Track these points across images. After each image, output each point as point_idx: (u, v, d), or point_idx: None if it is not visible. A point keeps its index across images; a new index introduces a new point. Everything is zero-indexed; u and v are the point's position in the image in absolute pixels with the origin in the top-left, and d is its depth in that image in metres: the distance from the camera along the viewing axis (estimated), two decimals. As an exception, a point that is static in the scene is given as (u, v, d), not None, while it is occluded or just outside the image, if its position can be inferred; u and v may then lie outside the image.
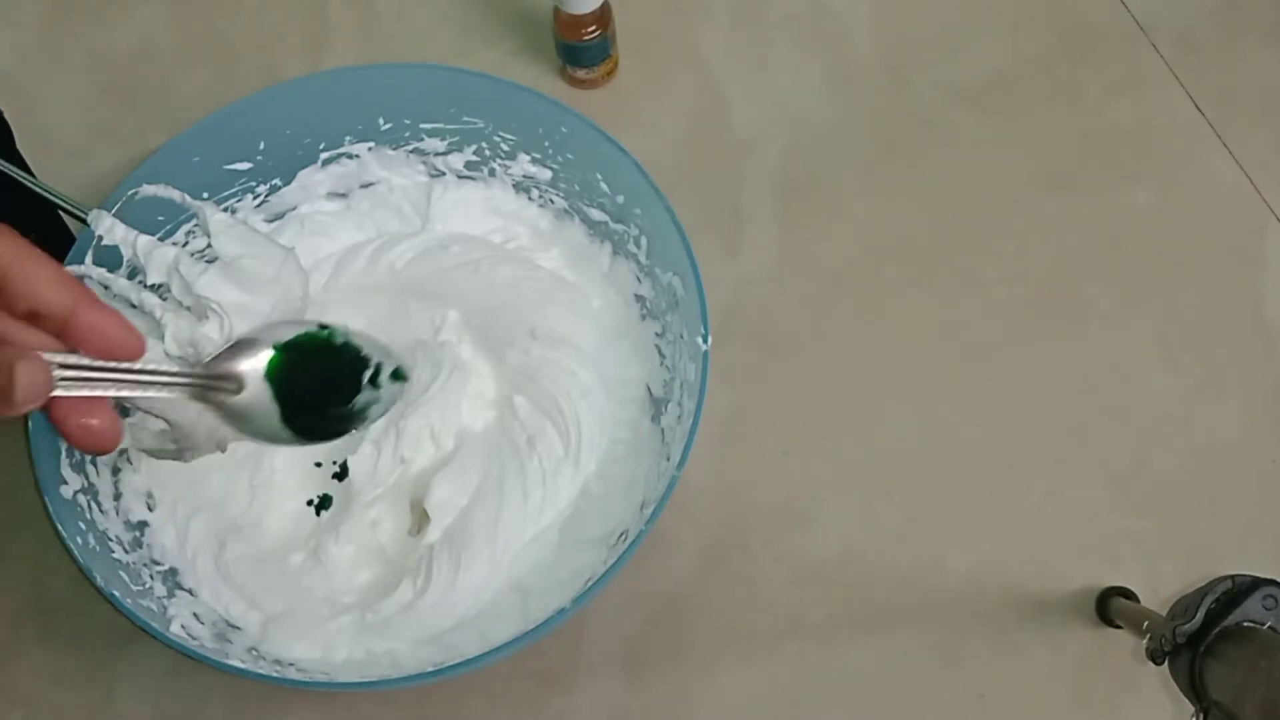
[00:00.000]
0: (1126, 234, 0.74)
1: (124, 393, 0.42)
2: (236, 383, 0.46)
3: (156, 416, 0.53)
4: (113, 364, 0.41)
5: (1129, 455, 0.68)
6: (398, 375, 0.50)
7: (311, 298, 0.60)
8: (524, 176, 0.68)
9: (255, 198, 0.68)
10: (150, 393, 0.43)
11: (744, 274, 0.72)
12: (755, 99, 0.78)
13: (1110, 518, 0.67)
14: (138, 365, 0.42)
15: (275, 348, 0.47)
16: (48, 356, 0.39)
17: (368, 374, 0.49)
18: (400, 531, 0.64)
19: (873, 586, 0.65)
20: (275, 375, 0.46)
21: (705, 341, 0.59)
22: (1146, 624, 0.56)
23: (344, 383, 0.49)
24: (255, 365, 0.46)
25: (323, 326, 0.48)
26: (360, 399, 0.49)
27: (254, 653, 0.59)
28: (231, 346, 0.46)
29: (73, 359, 0.40)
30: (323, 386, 0.48)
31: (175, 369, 0.44)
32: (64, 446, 0.59)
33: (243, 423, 0.46)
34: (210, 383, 0.45)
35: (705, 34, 0.80)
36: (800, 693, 0.63)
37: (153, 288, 0.54)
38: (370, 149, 0.68)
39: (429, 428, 0.65)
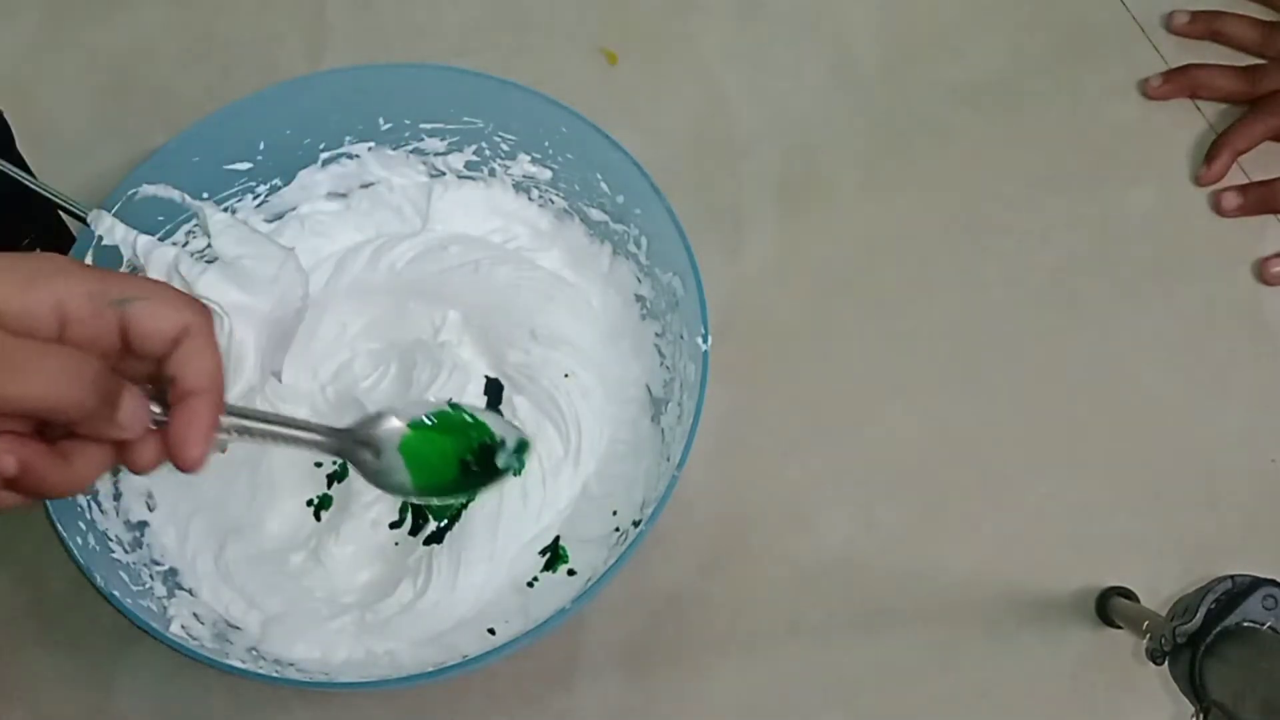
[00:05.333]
0: (1126, 234, 0.74)
1: (279, 445, 0.47)
2: (374, 449, 0.50)
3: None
4: (270, 414, 0.46)
5: (1129, 455, 0.68)
6: (521, 446, 0.55)
7: (312, 297, 0.60)
8: (524, 176, 0.68)
9: (255, 198, 0.68)
10: (298, 446, 0.48)
11: (744, 274, 0.72)
12: (755, 99, 0.78)
13: (1110, 518, 0.67)
14: (294, 419, 0.48)
15: (410, 425, 0.52)
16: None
17: (497, 448, 0.54)
18: (400, 532, 0.64)
19: (873, 586, 0.65)
20: (408, 449, 0.51)
21: (705, 341, 0.59)
22: (1146, 624, 0.56)
23: (474, 454, 0.54)
24: (390, 435, 0.51)
25: (453, 406, 0.53)
26: (491, 466, 0.54)
27: (254, 653, 0.59)
28: (373, 415, 0.51)
29: (241, 408, 0.45)
30: (455, 459, 0.53)
31: (323, 428, 0.49)
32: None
33: (376, 479, 0.51)
34: (351, 445, 0.49)
35: (705, 34, 0.80)
36: (800, 693, 0.63)
37: (153, 288, 0.54)
38: (370, 149, 0.68)
39: (429, 428, 0.65)
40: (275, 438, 0.47)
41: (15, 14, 0.81)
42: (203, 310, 0.42)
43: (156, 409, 0.41)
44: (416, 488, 0.52)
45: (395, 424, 0.51)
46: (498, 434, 0.54)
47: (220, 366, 0.42)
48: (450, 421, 0.53)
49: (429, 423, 0.52)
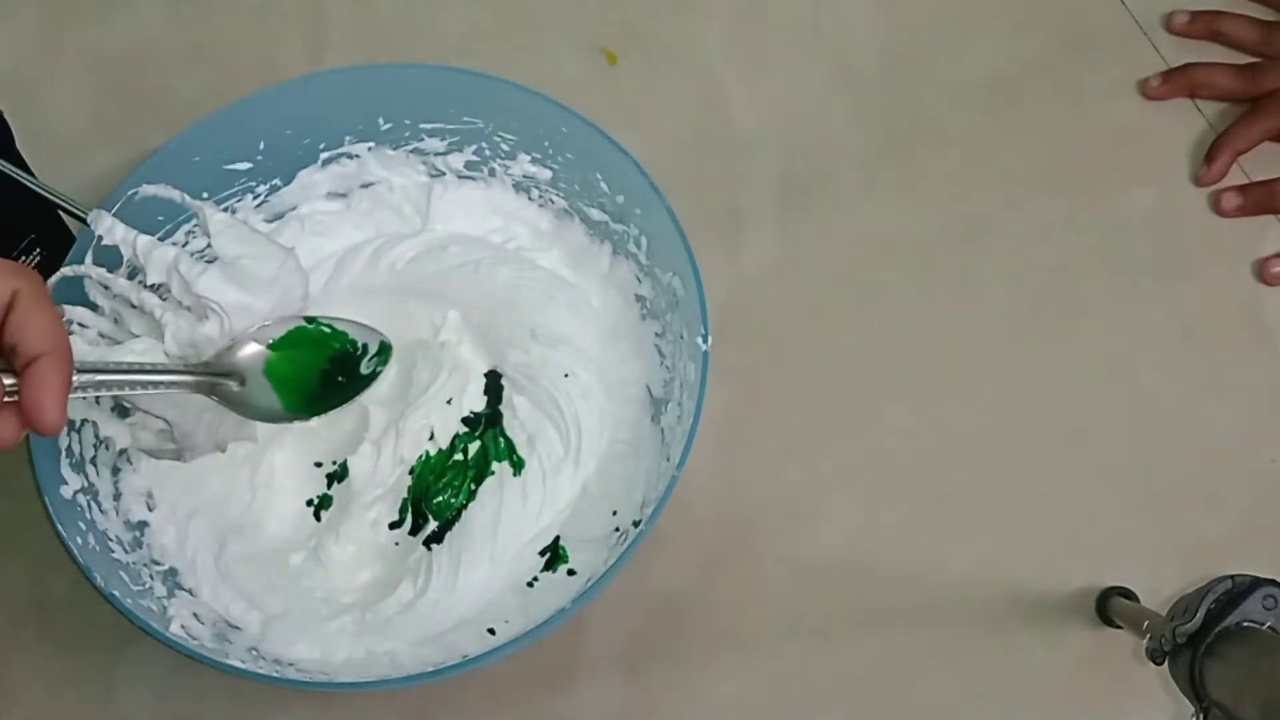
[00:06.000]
0: (1126, 234, 0.74)
1: (134, 391, 0.46)
2: (238, 377, 0.49)
3: (156, 416, 0.53)
4: (125, 363, 0.44)
5: (1129, 455, 0.68)
6: (383, 349, 0.55)
7: (312, 297, 0.60)
8: (524, 176, 0.68)
9: (255, 198, 0.68)
10: (156, 390, 0.47)
11: (744, 274, 0.72)
12: (755, 99, 0.78)
13: (1110, 518, 0.67)
14: (147, 364, 0.45)
15: (270, 346, 0.51)
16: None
17: (360, 356, 0.54)
18: (400, 532, 0.64)
19: (873, 586, 0.65)
20: (273, 370, 0.51)
21: (705, 341, 0.59)
22: (1146, 624, 0.56)
23: (338, 365, 0.54)
24: (253, 360, 0.50)
25: (310, 320, 0.53)
26: (357, 374, 0.55)
27: (254, 653, 0.59)
28: (229, 345, 0.50)
29: (91, 364, 0.44)
30: (319, 372, 0.53)
31: (181, 367, 0.48)
32: (64, 446, 0.59)
33: (246, 410, 0.50)
34: (213, 379, 0.49)
35: (705, 34, 0.80)
36: (800, 693, 0.63)
37: (153, 288, 0.54)
38: (370, 149, 0.68)
39: (429, 428, 0.65)
40: (135, 385, 0.46)
41: (15, 14, 0.81)
42: (29, 274, 0.41)
43: (10, 380, 0.40)
44: (288, 410, 0.51)
45: (255, 348, 0.50)
46: (359, 340, 0.54)
47: (59, 325, 0.41)
48: (309, 336, 0.53)
49: (287, 341, 0.51)
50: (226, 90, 0.66)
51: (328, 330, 0.53)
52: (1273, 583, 0.50)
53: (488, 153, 0.68)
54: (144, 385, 0.46)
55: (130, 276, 0.54)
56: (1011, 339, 0.71)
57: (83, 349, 0.51)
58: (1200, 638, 0.50)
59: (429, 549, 0.62)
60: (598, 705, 0.63)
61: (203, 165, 0.64)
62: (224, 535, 0.63)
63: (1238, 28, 0.76)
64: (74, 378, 0.42)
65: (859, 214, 0.74)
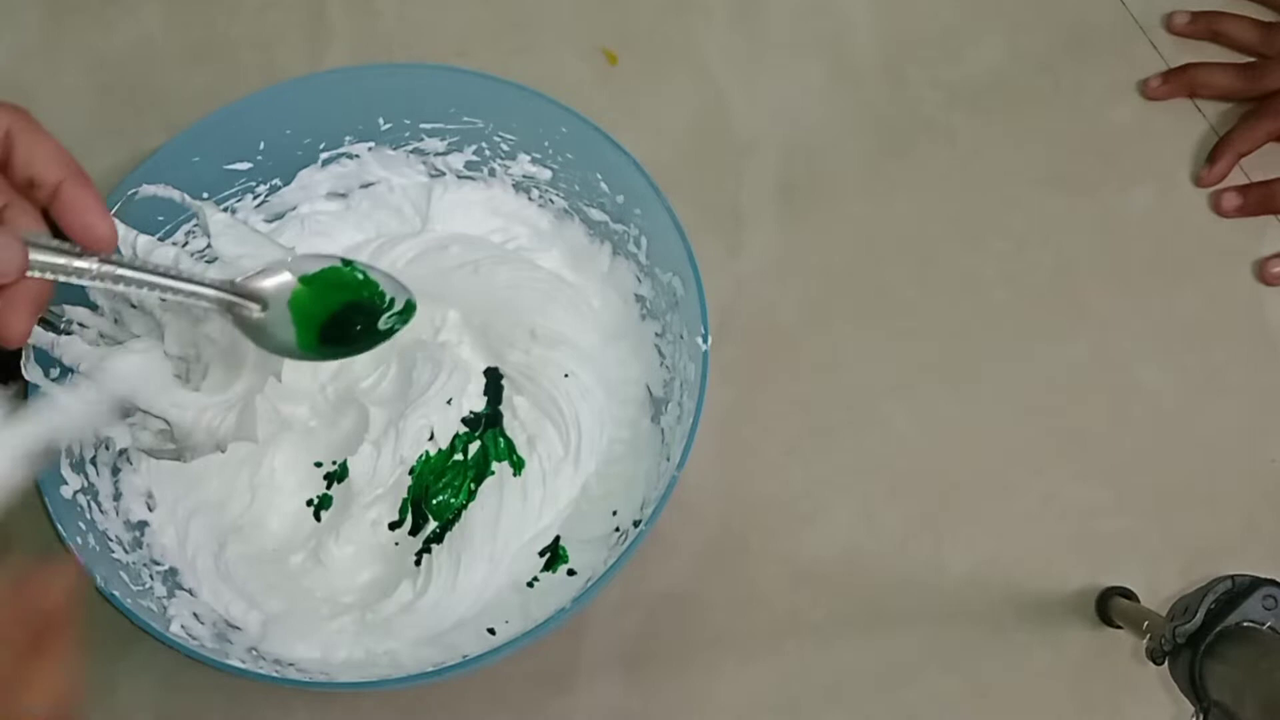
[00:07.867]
0: (1126, 234, 0.74)
1: (151, 293, 0.46)
2: (261, 303, 0.49)
3: (156, 416, 0.53)
4: (149, 265, 0.45)
5: (1129, 455, 0.68)
6: (408, 308, 0.54)
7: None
8: (524, 176, 0.68)
9: (255, 198, 0.68)
10: (177, 297, 0.47)
11: (744, 274, 0.72)
12: (755, 99, 0.78)
13: (1110, 518, 0.67)
14: (172, 269, 0.46)
15: (301, 279, 0.50)
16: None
17: (384, 310, 0.53)
18: (400, 532, 0.64)
19: (873, 586, 0.65)
20: (298, 303, 0.50)
21: (705, 341, 0.59)
22: (1146, 624, 0.56)
23: (360, 313, 0.53)
24: (280, 290, 0.50)
25: (346, 262, 0.52)
26: (374, 328, 0.54)
27: (254, 653, 0.59)
28: (261, 270, 0.49)
29: (114, 257, 0.44)
30: (340, 315, 0.52)
31: (207, 279, 0.48)
32: (64, 446, 0.59)
33: (260, 337, 0.49)
34: (236, 299, 0.48)
35: (705, 34, 0.80)
36: (800, 693, 0.63)
37: (152, 288, 0.54)
38: (370, 149, 0.68)
39: (429, 428, 0.65)
40: (154, 287, 0.46)
41: (15, 14, 0.81)
42: (14, 108, 0.41)
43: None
44: (301, 347, 0.51)
45: (286, 277, 0.50)
46: (387, 293, 0.53)
47: (63, 148, 0.42)
48: (342, 278, 0.52)
49: (319, 279, 0.51)
50: (226, 90, 0.66)
51: (361, 277, 0.53)
52: (1273, 583, 0.50)
53: (488, 153, 0.68)
54: (164, 289, 0.46)
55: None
56: (1011, 339, 0.71)
57: (83, 349, 0.51)
58: (1200, 638, 0.50)
59: (429, 549, 0.62)
60: (598, 705, 0.63)
61: (203, 165, 0.64)
62: (224, 535, 0.63)
63: (1238, 28, 0.76)
64: (96, 267, 0.43)
65: (859, 214, 0.74)
